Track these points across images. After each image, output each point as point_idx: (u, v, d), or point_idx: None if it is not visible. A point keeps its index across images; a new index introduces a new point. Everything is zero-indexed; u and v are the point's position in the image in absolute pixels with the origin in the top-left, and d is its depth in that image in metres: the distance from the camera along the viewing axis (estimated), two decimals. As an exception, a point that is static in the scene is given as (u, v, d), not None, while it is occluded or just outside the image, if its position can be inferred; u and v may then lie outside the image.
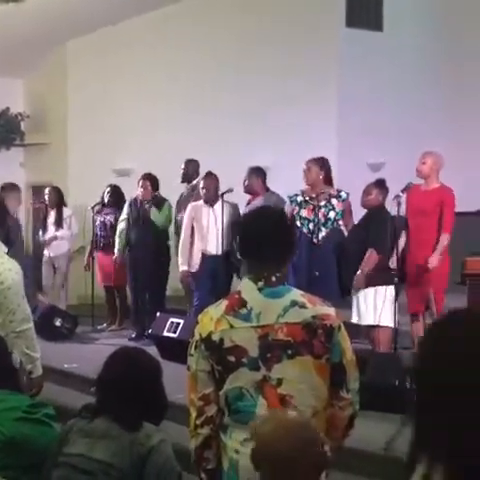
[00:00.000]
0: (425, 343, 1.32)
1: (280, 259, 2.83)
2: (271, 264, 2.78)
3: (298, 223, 7.03)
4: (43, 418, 3.08)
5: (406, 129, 11.77)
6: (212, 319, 2.75)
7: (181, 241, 8.29)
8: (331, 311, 2.78)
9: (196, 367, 2.75)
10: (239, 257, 2.92)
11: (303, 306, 2.73)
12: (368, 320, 6.75)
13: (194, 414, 2.76)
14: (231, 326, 2.71)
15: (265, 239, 2.78)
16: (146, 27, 11.43)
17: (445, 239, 6.61)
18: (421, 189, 6.86)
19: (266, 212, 3.12)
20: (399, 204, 6.58)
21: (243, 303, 2.74)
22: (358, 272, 6.69)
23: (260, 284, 2.75)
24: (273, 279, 2.76)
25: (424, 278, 6.63)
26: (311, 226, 7.02)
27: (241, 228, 2.97)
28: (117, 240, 8.99)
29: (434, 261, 6.61)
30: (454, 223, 6.69)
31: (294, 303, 2.73)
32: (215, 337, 2.70)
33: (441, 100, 12.13)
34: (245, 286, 2.80)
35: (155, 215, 8.66)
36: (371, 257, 6.66)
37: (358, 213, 7.17)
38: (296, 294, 2.78)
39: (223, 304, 2.79)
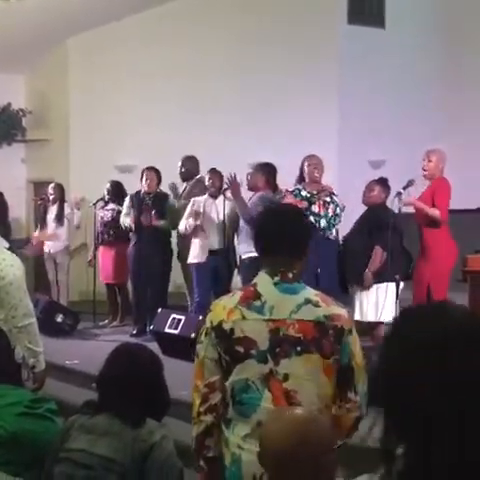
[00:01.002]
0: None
1: (297, 256, 2.85)
2: (288, 260, 2.80)
3: (312, 218, 7.00)
4: (45, 413, 3.09)
5: (407, 127, 11.76)
6: (225, 308, 2.77)
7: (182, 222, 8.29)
8: (343, 312, 2.81)
9: (204, 353, 2.77)
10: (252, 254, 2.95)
11: (316, 305, 2.75)
12: (370, 317, 6.76)
13: (198, 401, 2.78)
14: (243, 317, 2.72)
15: (284, 236, 2.81)
16: (147, 24, 11.43)
17: (435, 211, 6.57)
18: (427, 186, 6.86)
19: (284, 209, 3.16)
20: (400, 201, 6.58)
21: (257, 295, 2.76)
22: (366, 271, 6.69)
23: (276, 279, 2.77)
24: (289, 275, 2.78)
25: (424, 274, 6.63)
26: (323, 222, 7.00)
27: (259, 225, 2.97)
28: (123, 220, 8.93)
29: (406, 198, 6.59)
30: (447, 205, 6.65)
31: (308, 301, 2.75)
32: (226, 326, 2.72)
33: (443, 98, 12.11)
34: (261, 279, 2.82)
35: (165, 223, 8.67)
36: (377, 255, 6.67)
37: (357, 210, 7.18)
38: (310, 292, 2.80)
39: (237, 295, 2.81)
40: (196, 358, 2.80)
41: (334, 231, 7.06)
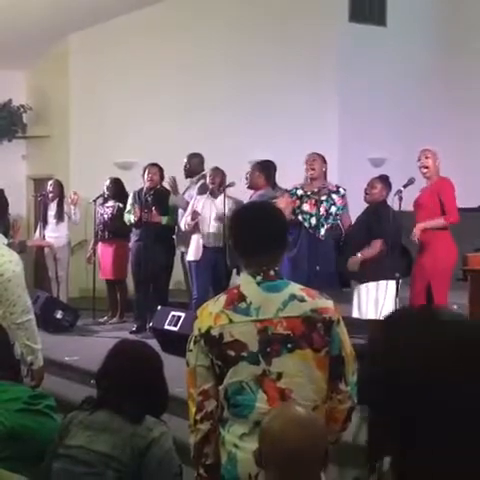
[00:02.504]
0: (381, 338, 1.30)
1: (277, 252, 2.84)
2: (269, 258, 2.78)
3: (300, 217, 7.04)
4: (44, 409, 3.09)
5: (408, 125, 11.74)
6: (211, 314, 2.74)
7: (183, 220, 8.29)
8: (330, 304, 2.78)
9: (195, 362, 2.74)
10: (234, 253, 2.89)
11: (302, 300, 2.73)
12: (369, 315, 6.75)
13: (193, 409, 2.75)
14: (230, 321, 2.70)
15: (261, 234, 2.78)
16: (148, 20, 11.41)
17: (441, 220, 6.58)
18: (426, 186, 6.84)
19: (258, 207, 3.14)
20: (401, 199, 6.57)
21: (242, 297, 2.73)
22: (358, 254, 6.69)
23: (259, 278, 2.75)
24: (271, 273, 2.76)
25: (424, 272, 6.62)
26: (313, 221, 7.02)
27: (236, 225, 2.93)
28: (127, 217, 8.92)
29: (417, 231, 6.59)
30: (456, 207, 6.66)
31: (293, 297, 2.73)
32: (214, 332, 2.70)
33: (443, 96, 12.09)
34: (244, 281, 2.80)
35: (165, 220, 8.67)
36: (376, 245, 6.66)
37: (357, 208, 7.17)
38: (294, 288, 2.78)
39: (222, 299, 2.78)
40: (187, 366, 2.77)
41: (323, 231, 7.04)
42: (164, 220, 8.68)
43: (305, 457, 2.10)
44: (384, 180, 6.97)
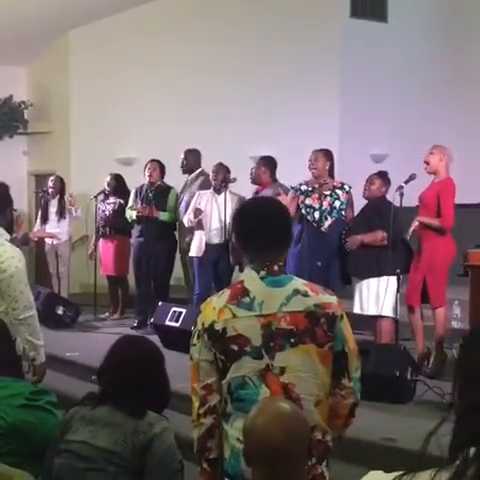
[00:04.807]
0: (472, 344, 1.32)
1: (281, 248, 2.84)
2: (273, 253, 2.78)
3: (303, 211, 7.06)
4: (45, 405, 3.10)
5: (409, 121, 11.74)
6: (215, 308, 2.74)
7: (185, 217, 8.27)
8: (333, 300, 2.78)
9: (199, 356, 2.74)
10: (237, 247, 2.89)
11: (306, 294, 2.73)
12: (370, 310, 6.76)
13: (197, 404, 2.76)
14: (234, 315, 2.70)
15: (266, 229, 2.78)
16: (148, 16, 11.42)
17: (436, 221, 6.54)
18: (433, 182, 6.81)
19: (263, 202, 3.15)
20: (402, 195, 6.56)
21: (246, 292, 2.74)
22: (358, 236, 6.71)
23: (262, 273, 2.75)
24: (275, 268, 2.76)
25: (421, 268, 6.61)
26: (317, 215, 7.05)
27: (240, 220, 2.94)
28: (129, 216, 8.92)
29: (415, 221, 6.58)
30: (453, 212, 6.62)
31: (297, 292, 2.73)
32: (218, 326, 2.70)
33: (445, 92, 12.09)
34: (247, 275, 2.80)
35: (164, 216, 8.66)
36: (378, 233, 6.67)
37: (358, 204, 7.18)
38: (298, 283, 2.78)
39: (226, 293, 2.78)
40: (190, 361, 2.78)
41: (327, 224, 7.05)
42: (162, 216, 8.68)
43: (291, 452, 2.09)
44: (383, 176, 6.98)
